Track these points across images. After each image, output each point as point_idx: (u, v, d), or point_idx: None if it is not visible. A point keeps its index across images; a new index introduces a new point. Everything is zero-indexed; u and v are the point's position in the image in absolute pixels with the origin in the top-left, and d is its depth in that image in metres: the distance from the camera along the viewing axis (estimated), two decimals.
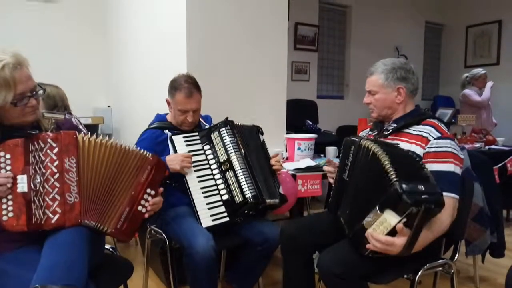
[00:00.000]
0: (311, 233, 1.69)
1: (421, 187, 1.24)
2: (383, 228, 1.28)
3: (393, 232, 1.27)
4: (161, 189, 1.44)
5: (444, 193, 1.41)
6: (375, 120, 1.77)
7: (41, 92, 1.34)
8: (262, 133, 2.06)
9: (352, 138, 1.59)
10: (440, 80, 6.67)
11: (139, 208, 1.37)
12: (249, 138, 1.96)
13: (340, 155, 1.66)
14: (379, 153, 1.37)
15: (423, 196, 1.22)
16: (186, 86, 1.90)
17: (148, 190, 1.39)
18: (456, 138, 3.28)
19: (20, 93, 1.25)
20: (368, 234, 1.32)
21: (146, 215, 1.39)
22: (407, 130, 1.60)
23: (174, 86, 1.94)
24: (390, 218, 1.27)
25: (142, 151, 1.40)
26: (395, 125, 1.64)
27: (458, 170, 1.48)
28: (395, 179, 1.26)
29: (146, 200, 1.38)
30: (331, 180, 1.75)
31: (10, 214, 1.22)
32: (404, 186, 1.23)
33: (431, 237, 1.38)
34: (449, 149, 1.48)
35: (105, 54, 3.86)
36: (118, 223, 1.32)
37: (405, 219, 1.24)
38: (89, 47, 3.84)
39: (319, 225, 1.73)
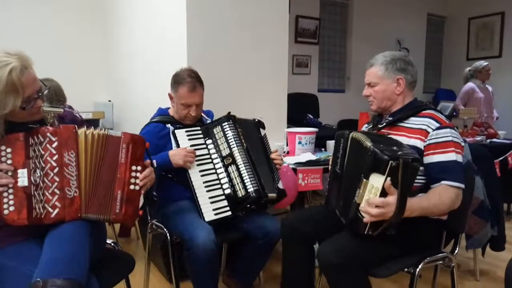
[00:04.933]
0: (311, 223, 1.71)
1: (395, 148, 1.36)
2: (373, 195, 1.34)
3: (383, 197, 1.32)
4: (148, 161, 1.41)
5: (448, 182, 1.43)
6: (374, 113, 1.78)
7: (46, 92, 1.33)
8: (263, 128, 2.06)
9: (342, 132, 1.61)
10: (442, 73, 6.64)
11: (132, 187, 1.34)
12: (250, 132, 1.96)
13: (333, 149, 1.68)
14: (362, 140, 1.42)
15: (398, 153, 1.31)
16: (189, 80, 1.90)
17: (134, 167, 1.35)
18: (457, 131, 3.29)
19: (28, 96, 1.24)
20: (364, 206, 1.35)
21: (142, 191, 1.37)
22: (406, 124, 1.60)
23: (177, 81, 1.94)
24: (376, 181, 1.33)
25: (112, 133, 1.36)
26: (391, 118, 1.65)
27: (460, 158, 1.48)
28: (370, 144, 1.35)
29: (135, 177, 1.35)
30: None
31: (11, 208, 1.23)
32: (378, 146, 1.35)
33: (425, 204, 1.41)
34: (449, 138, 1.49)
35: (105, 48, 3.86)
36: (116, 208, 1.31)
37: (389, 177, 1.29)
38: (90, 42, 3.83)
39: (319, 215, 1.74)
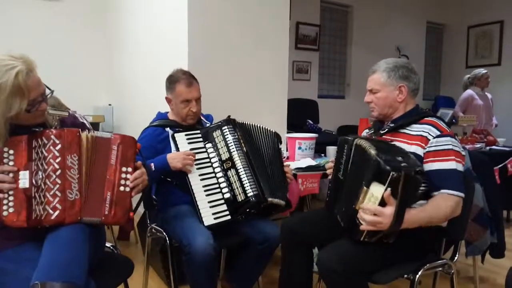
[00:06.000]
0: (311, 226, 1.70)
1: (400, 158, 1.33)
2: (372, 203, 1.33)
3: (382, 206, 1.31)
4: (139, 162, 1.40)
5: (445, 191, 1.43)
6: (375, 120, 1.77)
7: (50, 95, 1.34)
8: (281, 142, 2.08)
9: (346, 138, 1.60)
10: (441, 80, 6.67)
11: (121, 188, 1.33)
12: (269, 143, 1.97)
13: (335, 155, 1.67)
14: (367, 147, 1.40)
15: (402, 164, 1.29)
16: (184, 77, 1.94)
17: (124, 169, 1.34)
18: (457, 139, 3.30)
19: (33, 99, 1.25)
20: (360, 212, 1.35)
21: (133, 193, 1.36)
22: (406, 131, 1.60)
23: (172, 80, 1.97)
24: (376, 190, 1.32)
25: (103, 135, 1.36)
26: (392, 124, 1.64)
27: (460, 167, 1.48)
28: (374, 153, 1.33)
29: (125, 179, 1.34)
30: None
31: (11, 210, 1.23)
32: (382, 156, 1.32)
33: (423, 216, 1.39)
34: (450, 147, 1.48)
35: (106, 52, 3.87)
36: (105, 209, 1.30)
37: (389, 188, 1.28)
38: (90, 45, 3.84)
39: (319, 219, 1.73)
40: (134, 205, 1.43)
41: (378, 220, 1.31)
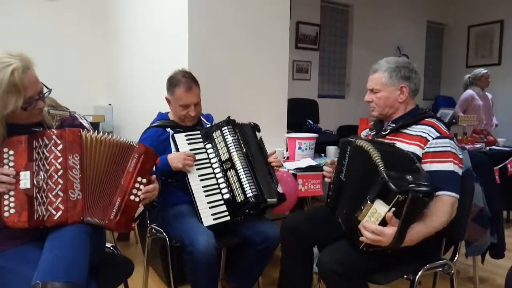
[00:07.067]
0: (312, 225, 1.71)
1: (409, 177, 1.28)
2: (374, 219, 1.31)
3: (384, 223, 1.29)
4: (154, 176, 1.42)
5: (442, 192, 1.43)
6: (375, 119, 1.77)
7: (47, 93, 1.34)
8: (259, 131, 2.06)
9: (348, 139, 1.59)
10: (442, 80, 6.67)
11: (132, 197, 1.34)
12: (248, 137, 1.96)
13: (338, 156, 1.67)
14: (371, 151, 1.39)
15: (410, 185, 1.25)
16: (184, 81, 1.93)
17: (139, 179, 1.36)
18: (456, 138, 3.30)
19: (30, 97, 1.25)
20: (360, 226, 1.34)
21: (141, 205, 1.37)
22: (406, 131, 1.60)
23: (172, 83, 1.96)
24: (380, 208, 1.30)
25: (127, 141, 1.38)
26: (393, 125, 1.64)
27: (457, 169, 1.48)
28: (383, 169, 1.29)
29: (138, 189, 1.36)
30: (328, 180, 1.76)
31: (12, 211, 1.23)
32: (391, 174, 1.27)
33: (425, 231, 1.38)
34: (448, 149, 1.49)
35: (106, 52, 3.86)
36: (111, 214, 1.31)
37: (394, 208, 1.26)
38: (90, 45, 3.83)
39: (320, 217, 1.73)
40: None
41: (378, 239, 1.30)
